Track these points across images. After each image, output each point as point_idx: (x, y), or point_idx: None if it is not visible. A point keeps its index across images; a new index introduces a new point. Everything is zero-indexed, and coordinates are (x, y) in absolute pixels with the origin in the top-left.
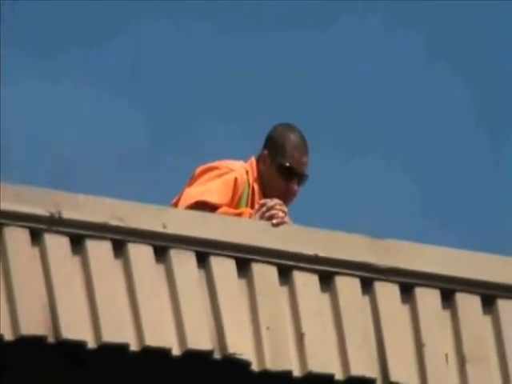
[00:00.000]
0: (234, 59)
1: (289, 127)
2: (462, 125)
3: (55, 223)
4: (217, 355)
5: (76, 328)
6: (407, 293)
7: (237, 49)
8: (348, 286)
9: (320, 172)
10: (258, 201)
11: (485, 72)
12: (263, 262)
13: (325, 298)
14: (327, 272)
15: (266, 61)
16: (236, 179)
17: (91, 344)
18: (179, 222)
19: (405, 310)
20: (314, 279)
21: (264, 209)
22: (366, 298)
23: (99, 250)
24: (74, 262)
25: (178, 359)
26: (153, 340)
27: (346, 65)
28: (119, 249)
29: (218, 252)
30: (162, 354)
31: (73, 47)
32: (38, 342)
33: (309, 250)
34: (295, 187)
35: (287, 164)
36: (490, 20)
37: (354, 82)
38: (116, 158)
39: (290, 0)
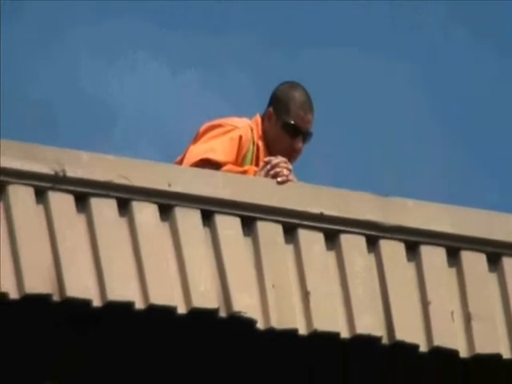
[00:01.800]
0: (231, 57)
1: (294, 85)
2: (463, 125)
3: (59, 181)
4: (222, 313)
5: (81, 286)
6: (413, 251)
7: (234, 47)
8: (353, 244)
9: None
10: (263, 158)
11: (485, 72)
12: (268, 220)
13: (330, 256)
14: (332, 230)
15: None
16: (241, 137)
17: (96, 302)
18: (184, 179)
19: (410, 268)
20: (319, 237)
21: (269, 166)
22: (372, 256)
23: (104, 209)
24: (79, 221)
25: (183, 318)
26: (158, 298)
27: (347, 64)
28: (124, 207)
29: (223, 210)
30: (167, 312)
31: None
32: (42, 300)
33: (314, 208)
34: (300, 145)
35: (292, 122)
36: (490, 20)
37: (355, 81)
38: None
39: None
